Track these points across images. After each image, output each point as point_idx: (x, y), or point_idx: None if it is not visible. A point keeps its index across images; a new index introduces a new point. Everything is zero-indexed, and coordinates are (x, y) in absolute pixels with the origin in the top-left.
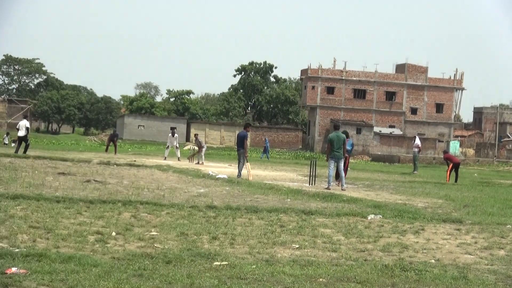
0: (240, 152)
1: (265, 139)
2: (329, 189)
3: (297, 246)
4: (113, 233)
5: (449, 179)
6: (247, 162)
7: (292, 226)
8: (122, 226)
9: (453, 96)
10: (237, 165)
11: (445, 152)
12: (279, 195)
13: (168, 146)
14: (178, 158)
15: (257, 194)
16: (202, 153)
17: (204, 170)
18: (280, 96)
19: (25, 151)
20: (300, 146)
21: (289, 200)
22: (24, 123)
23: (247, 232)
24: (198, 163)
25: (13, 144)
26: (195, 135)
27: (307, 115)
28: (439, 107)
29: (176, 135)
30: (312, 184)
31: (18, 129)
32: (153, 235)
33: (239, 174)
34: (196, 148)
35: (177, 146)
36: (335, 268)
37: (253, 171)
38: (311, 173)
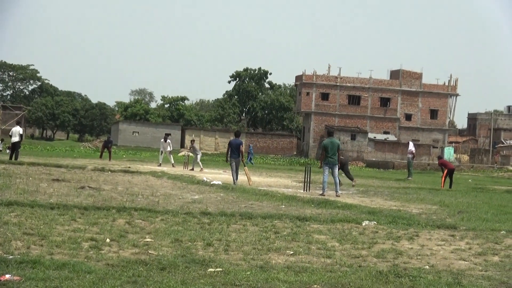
0: (237, 160)
1: (249, 145)
2: (324, 195)
3: (292, 252)
4: (107, 240)
5: (444, 185)
6: (245, 166)
7: (286, 232)
8: (116, 233)
9: (447, 102)
10: (232, 173)
11: (440, 158)
12: (273, 201)
13: (161, 151)
14: (172, 164)
15: (252, 201)
16: (198, 159)
17: (198, 176)
18: (275, 103)
19: (16, 158)
20: (295, 152)
21: (283, 206)
22: (17, 130)
23: (242, 239)
24: (192, 169)
25: (7, 151)
26: (192, 141)
27: (301, 121)
28: (433, 113)
29: (168, 140)
30: (306, 190)
31: (11, 136)
32: (147, 241)
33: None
34: (192, 154)
35: (170, 151)
36: (329, 274)
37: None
38: (306, 179)
